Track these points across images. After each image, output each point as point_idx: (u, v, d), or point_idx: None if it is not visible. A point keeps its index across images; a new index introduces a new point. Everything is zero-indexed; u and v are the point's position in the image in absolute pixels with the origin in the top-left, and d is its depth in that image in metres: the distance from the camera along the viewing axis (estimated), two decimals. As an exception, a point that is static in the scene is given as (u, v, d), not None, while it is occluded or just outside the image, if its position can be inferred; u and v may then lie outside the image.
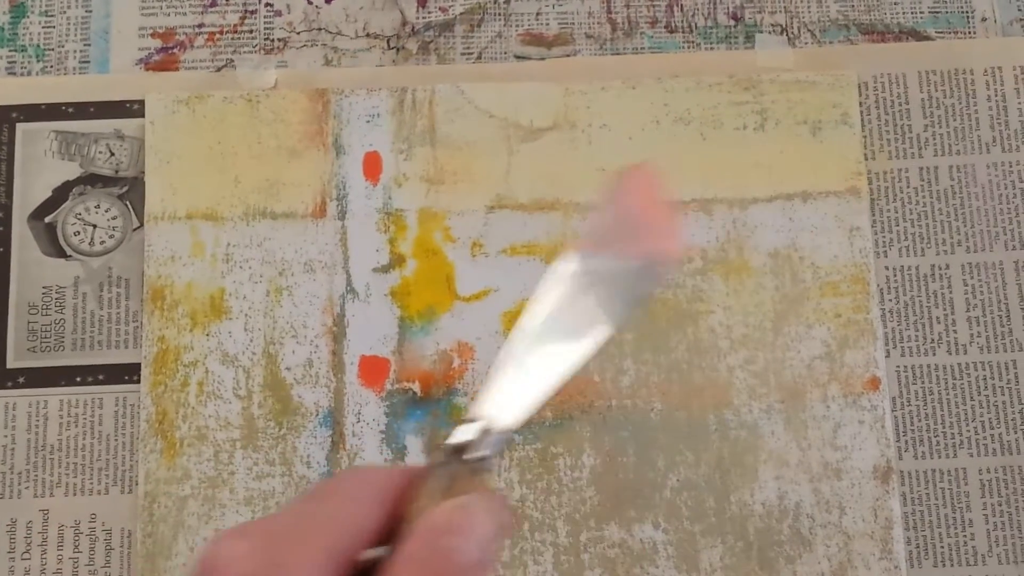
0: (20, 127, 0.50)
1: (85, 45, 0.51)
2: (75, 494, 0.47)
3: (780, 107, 0.50)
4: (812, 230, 0.49)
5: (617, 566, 0.46)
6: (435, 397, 0.48)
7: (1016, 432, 0.47)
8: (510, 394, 0.31)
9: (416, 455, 0.47)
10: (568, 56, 0.52)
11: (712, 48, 0.52)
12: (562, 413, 0.48)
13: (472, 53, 0.52)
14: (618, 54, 0.52)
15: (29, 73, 0.51)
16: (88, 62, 0.51)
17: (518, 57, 0.52)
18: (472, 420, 0.30)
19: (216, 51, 0.51)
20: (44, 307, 0.48)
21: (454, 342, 0.48)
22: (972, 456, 0.47)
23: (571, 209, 0.49)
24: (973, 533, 0.47)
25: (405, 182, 0.50)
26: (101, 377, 0.48)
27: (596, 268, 0.31)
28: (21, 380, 0.48)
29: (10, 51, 0.51)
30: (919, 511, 0.47)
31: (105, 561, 0.46)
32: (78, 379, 0.48)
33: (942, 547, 0.47)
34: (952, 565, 0.46)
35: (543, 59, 0.51)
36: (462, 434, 0.30)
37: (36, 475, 0.47)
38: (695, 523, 0.47)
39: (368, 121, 0.50)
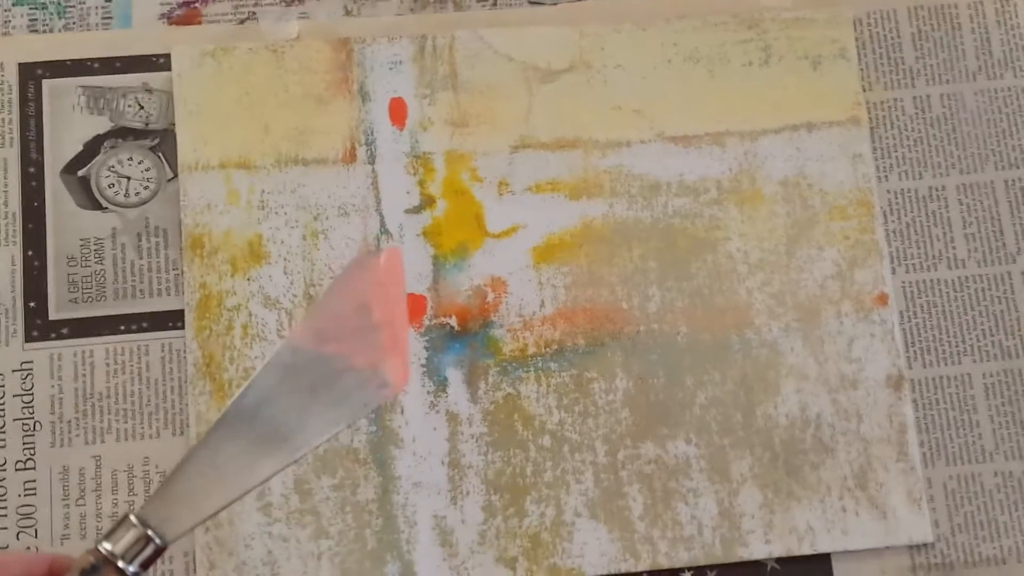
0: (46, 83, 0.50)
1: (106, 1, 0.52)
2: (126, 439, 0.48)
3: (782, 43, 0.53)
4: (818, 158, 0.52)
5: (654, 481, 0.49)
6: (472, 330, 0.50)
7: (1015, 338, 0.51)
8: (187, 497, 0.28)
9: (457, 386, 0.49)
10: (580, 0, 0.54)
11: (715, -10, 0.54)
12: (594, 340, 0.50)
13: (487, 0, 0.53)
14: (627, -3, 0.54)
15: (51, 30, 0.51)
16: (110, 18, 0.52)
17: (532, 2, 0.53)
18: (134, 523, 0.28)
19: (238, 4, 0.52)
20: (83, 259, 0.49)
21: (487, 277, 0.50)
22: (976, 362, 0.51)
23: (591, 147, 0.52)
24: (980, 433, 0.50)
25: (430, 126, 0.51)
26: (145, 324, 0.49)
27: (314, 365, 0.28)
28: (64, 331, 0.48)
29: (31, 8, 0.52)
30: (930, 415, 0.50)
31: (161, 502, 0.47)
32: (122, 327, 0.49)
33: (953, 447, 0.50)
34: (963, 463, 0.50)
35: (556, 4, 0.53)
36: (118, 539, 0.28)
37: (86, 423, 0.48)
38: (724, 437, 0.49)
39: (391, 68, 0.52)
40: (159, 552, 0.29)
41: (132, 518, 0.29)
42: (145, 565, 0.29)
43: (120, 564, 0.29)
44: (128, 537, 0.29)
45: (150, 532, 0.29)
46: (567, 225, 0.51)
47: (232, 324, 0.49)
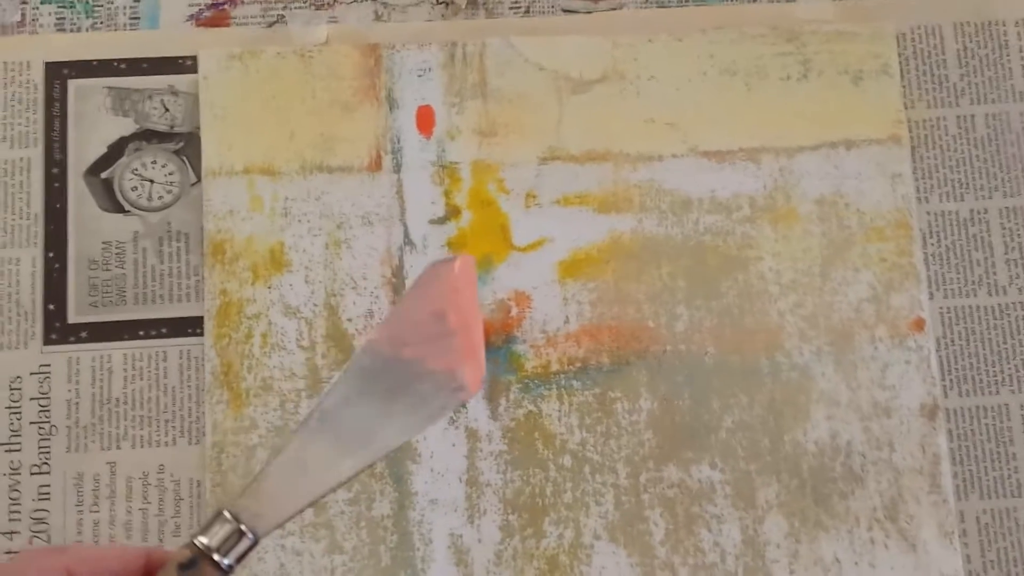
0: (72, 83, 0.50)
1: (134, 1, 0.51)
2: (142, 446, 0.47)
3: (822, 58, 0.52)
4: (856, 177, 0.51)
5: (676, 505, 0.48)
6: (495, 345, 0.49)
7: (1056, 369, 0.49)
8: (276, 494, 0.30)
9: (477, 402, 0.48)
10: (615, 9, 0.52)
11: (754, 0, 0.53)
12: (619, 359, 0.49)
13: (520, 7, 0.52)
14: (663, 7, 0.52)
15: (79, 29, 0.51)
16: (138, 18, 0.51)
17: (565, 11, 0.52)
18: (228, 518, 0.29)
19: (267, 7, 0.51)
20: (104, 262, 0.49)
21: (511, 291, 0.49)
22: (1014, 392, 0.49)
23: (622, 160, 0.50)
24: (1017, 467, 0.48)
25: (458, 135, 0.50)
26: (164, 330, 0.48)
27: (391, 369, 0.30)
28: (84, 335, 0.48)
29: (59, 7, 0.51)
30: (965, 446, 0.49)
31: (175, 511, 0.47)
32: (141, 333, 0.48)
33: (987, 480, 0.48)
34: (997, 497, 0.48)
35: (590, 12, 0.52)
36: (213, 534, 0.29)
37: (102, 428, 0.47)
38: (750, 462, 0.48)
39: (420, 75, 0.51)
40: (252, 547, 0.30)
41: (226, 513, 0.30)
42: (239, 559, 0.30)
43: (216, 557, 0.30)
44: (223, 532, 0.30)
45: (243, 527, 0.30)
46: (594, 240, 0.50)
47: (251, 332, 0.48)
